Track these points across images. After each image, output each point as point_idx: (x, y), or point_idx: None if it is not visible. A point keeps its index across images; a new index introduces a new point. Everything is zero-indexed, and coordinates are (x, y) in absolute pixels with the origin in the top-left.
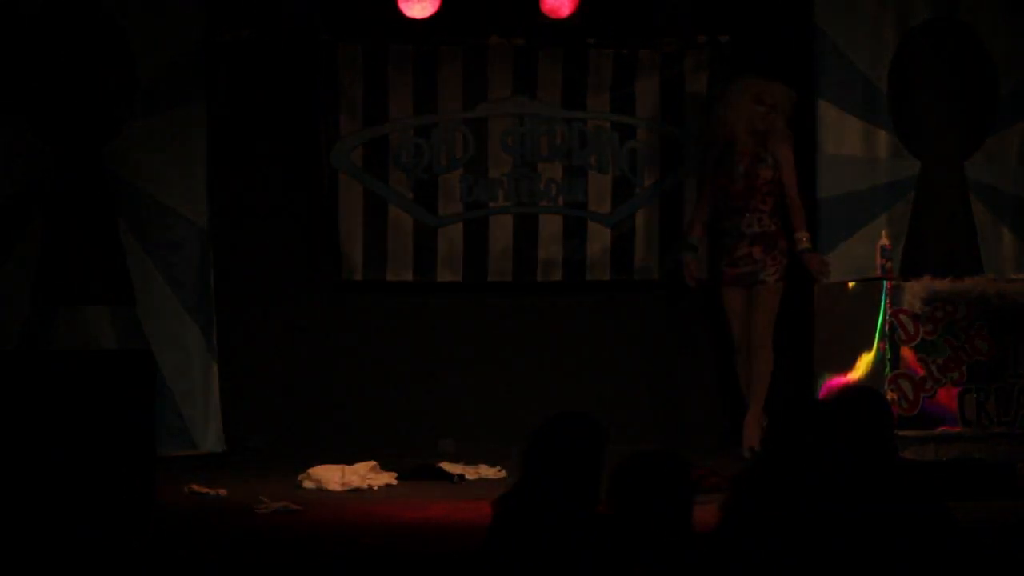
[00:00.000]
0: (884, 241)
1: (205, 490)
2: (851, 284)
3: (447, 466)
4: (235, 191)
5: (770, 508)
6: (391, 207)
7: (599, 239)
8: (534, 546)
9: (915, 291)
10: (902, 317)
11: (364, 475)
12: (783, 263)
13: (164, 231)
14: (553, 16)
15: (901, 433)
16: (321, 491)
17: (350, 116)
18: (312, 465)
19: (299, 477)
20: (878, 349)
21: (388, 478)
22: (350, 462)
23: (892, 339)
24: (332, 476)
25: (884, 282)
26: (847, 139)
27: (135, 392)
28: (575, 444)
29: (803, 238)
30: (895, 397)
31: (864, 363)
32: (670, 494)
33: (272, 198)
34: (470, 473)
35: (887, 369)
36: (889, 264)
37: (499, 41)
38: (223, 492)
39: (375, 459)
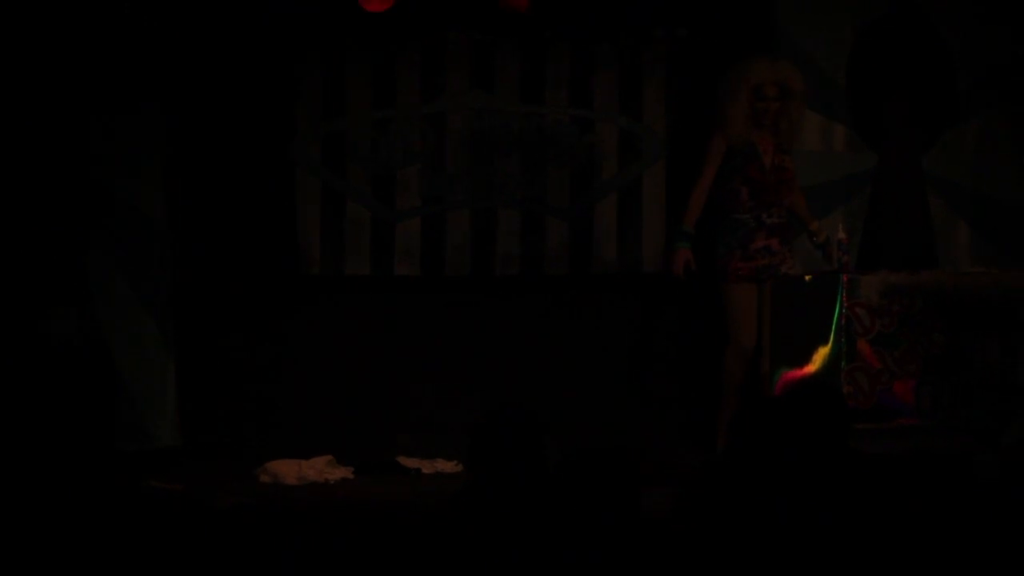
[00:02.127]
0: (841, 235)
1: (162, 485)
2: (808, 278)
3: (404, 460)
4: (193, 186)
5: (729, 501)
6: (349, 202)
7: (557, 233)
8: (487, 535)
9: (872, 284)
10: (858, 310)
11: (321, 469)
12: (835, 253)
13: (121, 226)
14: (512, 6)
15: (857, 426)
16: (278, 485)
17: (308, 111)
18: (269, 460)
19: (256, 471)
20: (835, 342)
21: (345, 472)
22: (307, 456)
23: (848, 332)
24: (289, 470)
25: (841, 275)
26: (804, 133)
27: (92, 387)
28: (510, 437)
29: (821, 230)
30: (851, 390)
31: (821, 356)
32: (614, 486)
33: (230, 193)
34: (427, 467)
35: (843, 362)
36: (846, 257)
37: (457, 35)
38: (180, 487)
39: (332, 453)
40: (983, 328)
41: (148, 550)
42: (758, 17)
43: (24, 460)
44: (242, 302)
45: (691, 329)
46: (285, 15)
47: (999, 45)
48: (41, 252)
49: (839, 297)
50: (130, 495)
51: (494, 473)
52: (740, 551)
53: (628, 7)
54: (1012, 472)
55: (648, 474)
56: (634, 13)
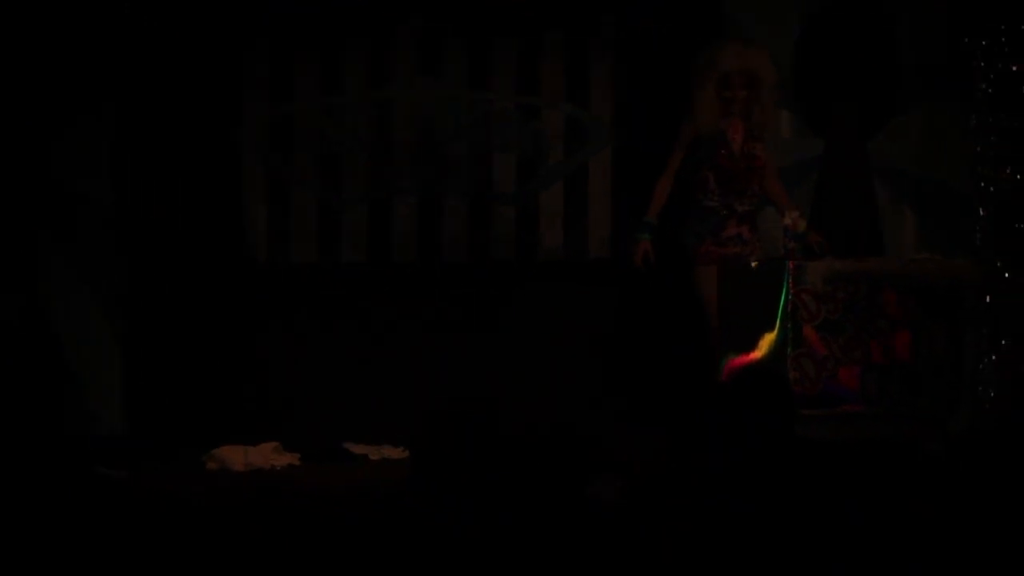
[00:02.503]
0: (787, 221)
1: (109, 471)
2: (754, 264)
3: (351, 447)
4: (141, 174)
5: (677, 488)
6: (296, 189)
7: (503, 219)
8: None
9: (818, 271)
10: (804, 297)
11: (267, 456)
12: (784, 243)
13: (69, 214)
14: None
15: (803, 412)
16: (225, 471)
17: (255, 97)
18: (216, 446)
19: (203, 458)
20: (780, 329)
21: (291, 459)
22: (254, 443)
23: (794, 319)
24: (236, 457)
25: (787, 262)
26: None
27: (38, 373)
28: (458, 421)
29: (801, 218)
30: (797, 376)
31: (767, 343)
32: (568, 470)
33: (178, 181)
34: (373, 454)
35: (789, 349)
36: (792, 244)
37: (405, 22)
38: (127, 473)
39: (279, 440)
40: (929, 315)
41: (98, 536)
42: (705, 4)
43: None
44: (189, 289)
45: (639, 315)
46: (232, 1)
47: (944, 32)
48: None
49: (785, 283)
50: (78, 481)
51: (442, 458)
52: (687, 538)
53: None
54: (958, 460)
55: (595, 460)
56: (581, 1)
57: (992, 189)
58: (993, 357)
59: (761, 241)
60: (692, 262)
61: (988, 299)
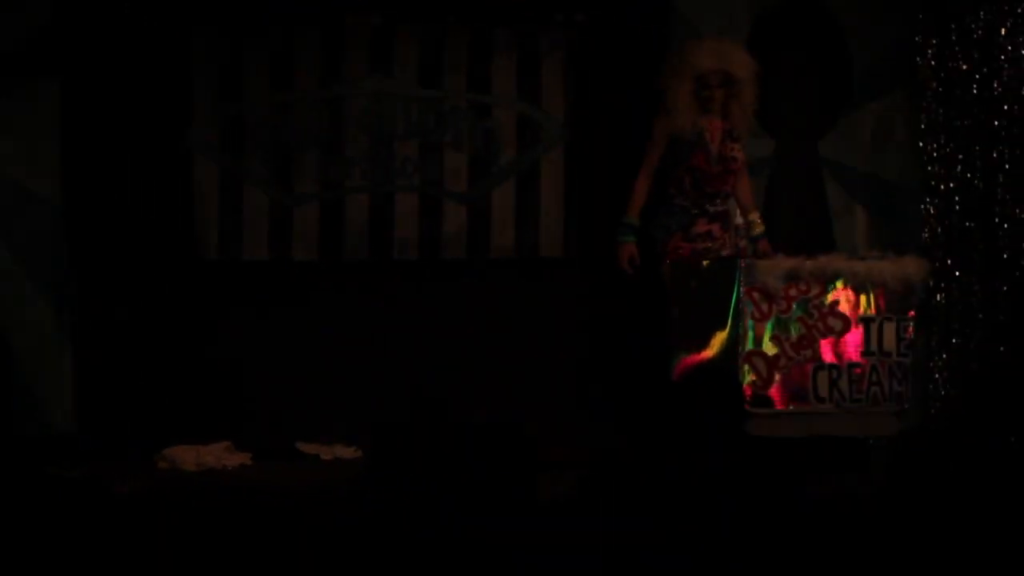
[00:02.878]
0: (738, 220)
1: (60, 471)
2: (705, 263)
3: (303, 446)
4: (90, 170)
5: (631, 484)
6: (246, 186)
7: (455, 217)
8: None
9: (769, 269)
10: (756, 295)
11: (219, 455)
12: (735, 242)
13: (17, 210)
14: None
15: (754, 410)
16: (176, 471)
17: (205, 95)
18: (167, 446)
19: (154, 458)
20: (732, 327)
21: (243, 458)
22: (206, 442)
23: (746, 317)
24: (187, 456)
25: (739, 260)
26: None
27: None
28: (411, 419)
29: (759, 221)
30: (748, 375)
31: (718, 341)
32: (519, 467)
33: (129, 178)
34: (325, 453)
35: (740, 347)
36: (743, 242)
37: (356, 19)
38: (78, 473)
39: (231, 439)
40: (880, 314)
41: (49, 537)
42: (654, 2)
43: None
44: (140, 287)
45: (596, 312)
46: (181, 6)
47: (894, 31)
48: None
49: (736, 282)
50: (29, 481)
51: (394, 457)
52: (641, 533)
53: None
54: (905, 458)
55: (550, 456)
56: None
57: (942, 188)
58: (944, 356)
59: (733, 239)
60: (661, 256)
61: (939, 297)
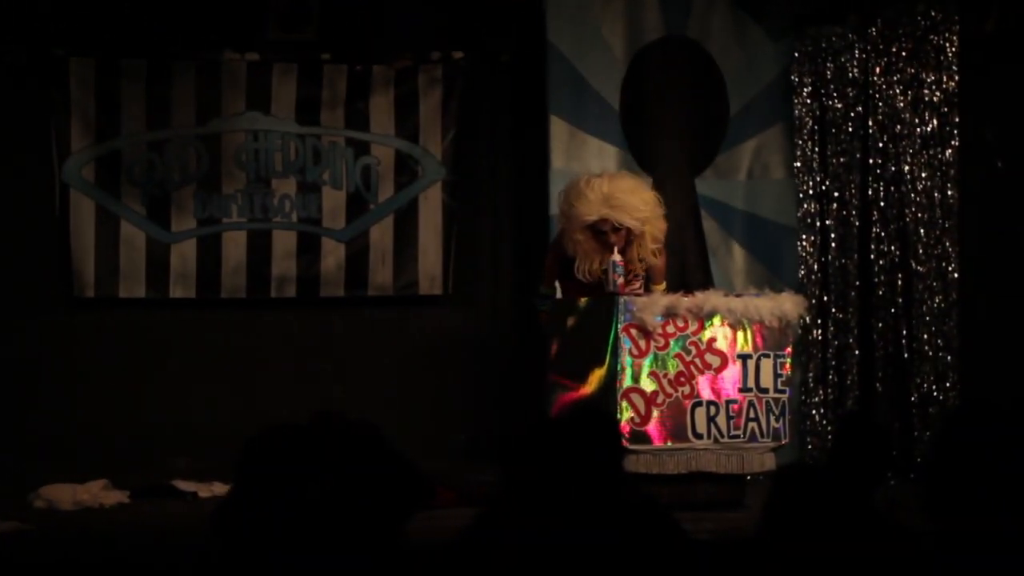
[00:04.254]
0: (616, 257)
1: None
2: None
3: (180, 483)
4: None
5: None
6: (124, 223)
7: (333, 255)
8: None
9: (646, 306)
10: (633, 332)
11: (96, 494)
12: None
13: None
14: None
15: (632, 447)
16: (52, 510)
17: (82, 130)
18: (42, 485)
19: (30, 497)
20: (610, 364)
21: (120, 497)
22: (82, 481)
23: (624, 354)
24: (64, 495)
25: (617, 297)
26: (578, 154)
27: None
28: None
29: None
30: (627, 412)
31: (596, 378)
32: (401, 507)
33: (2, 213)
34: (203, 490)
35: (619, 384)
36: (621, 280)
37: (232, 56)
38: None
39: (108, 478)
40: (757, 350)
41: None
42: (531, 40)
43: None
44: (15, 325)
45: (476, 350)
46: (61, 33)
47: (769, 68)
48: None
49: (614, 319)
50: None
51: (272, 496)
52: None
53: (404, 30)
54: (777, 492)
55: (431, 494)
56: (410, 36)
57: (818, 224)
58: (821, 392)
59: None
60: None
61: (816, 334)
